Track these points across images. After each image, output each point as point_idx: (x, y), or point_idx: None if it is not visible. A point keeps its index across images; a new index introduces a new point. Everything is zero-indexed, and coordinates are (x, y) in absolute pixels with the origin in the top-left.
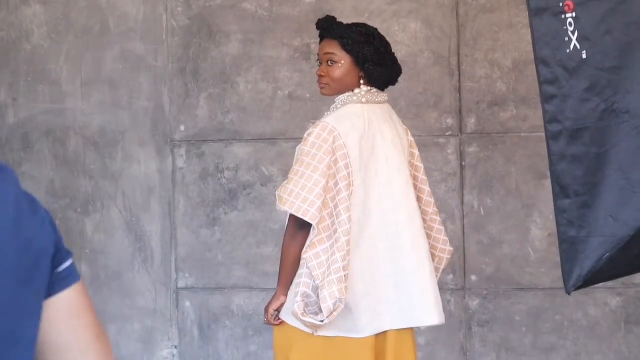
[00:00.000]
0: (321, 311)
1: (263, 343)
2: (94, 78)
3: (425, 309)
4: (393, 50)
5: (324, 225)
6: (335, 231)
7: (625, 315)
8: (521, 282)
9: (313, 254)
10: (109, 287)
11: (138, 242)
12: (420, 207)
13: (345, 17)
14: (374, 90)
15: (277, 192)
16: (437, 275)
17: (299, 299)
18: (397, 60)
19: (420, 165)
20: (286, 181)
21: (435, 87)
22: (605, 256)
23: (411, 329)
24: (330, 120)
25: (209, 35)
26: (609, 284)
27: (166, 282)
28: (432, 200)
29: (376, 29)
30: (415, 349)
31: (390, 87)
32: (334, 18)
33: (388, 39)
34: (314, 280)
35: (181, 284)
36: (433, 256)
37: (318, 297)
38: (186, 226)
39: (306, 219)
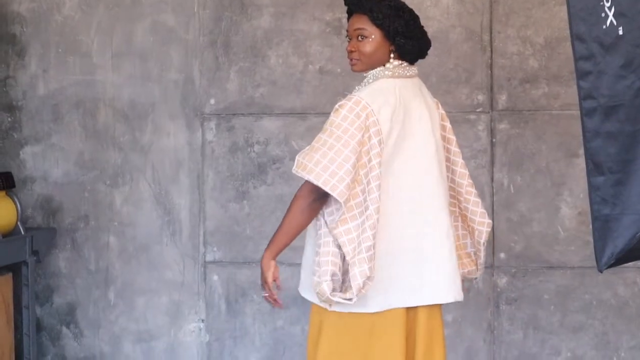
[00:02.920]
0: (350, 289)
1: (289, 317)
2: (125, 50)
3: (442, 286)
4: (423, 25)
5: (356, 201)
6: (367, 207)
7: None
8: (550, 261)
9: (344, 230)
10: (137, 260)
11: (166, 215)
12: (455, 180)
13: None
14: (405, 64)
15: (298, 157)
16: (481, 250)
17: (328, 278)
18: (426, 33)
19: (453, 137)
20: (309, 148)
21: (466, 63)
22: (638, 234)
23: (439, 304)
24: (364, 95)
25: (240, 8)
26: (639, 263)
27: (194, 256)
28: (467, 172)
29: (404, 2)
30: (442, 325)
31: (421, 62)
32: None
33: (419, 14)
34: (342, 259)
35: (209, 257)
36: (473, 230)
37: (343, 275)
38: (215, 200)
39: (334, 194)
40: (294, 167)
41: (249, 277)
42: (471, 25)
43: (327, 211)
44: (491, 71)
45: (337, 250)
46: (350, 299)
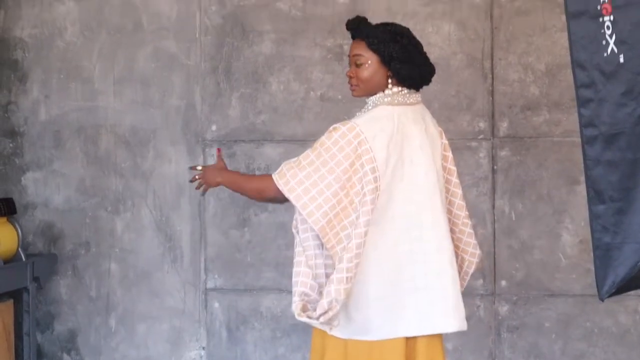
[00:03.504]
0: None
1: (291, 345)
2: (126, 76)
3: (445, 315)
4: (426, 51)
5: (333, 232)
6: (349, 240)
7: None
8: (551, 288)
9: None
10: (138, 287)
11: (168, 242)
12: (452, 211)
13: (379, 18)
14: (405, 91)
15: (283, 167)
16: (466, 279)
17: (296, 298)
18: (428, 59)
19: (454, 168)
20: (296, 162)
21: (468, 89)
22: None
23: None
24: (360, 122)
25: (242, 35)
26: None
27: (195, 283)
28: (464, 204)
29: (407, 29)
30: (443, 353)
31: (422, 89)
32: (363, 18)
33: (421, 41)
34: (313, 278)
35: (210, 284)
36: (463, 260)
37: (317, 295)
38: (216, 227)
39: (310, 220)
40: (275, 174)
41: (250, 304)
42: (472, 52)
43: (302, 228)
44: (492, 98)
45: (308, 270)
46: (317, 319)
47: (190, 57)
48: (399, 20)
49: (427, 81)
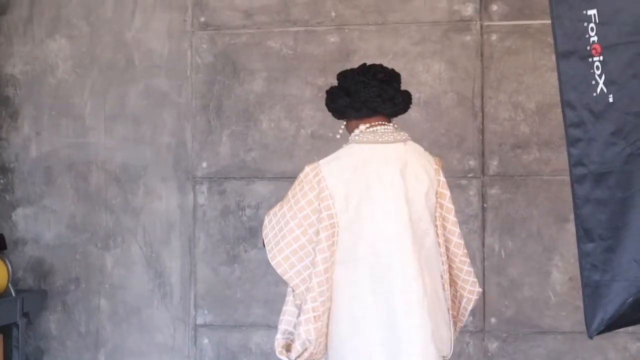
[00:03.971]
0: (294, 349)
1: None
2: (118, 113)
3: (412, 356)
4: (415, 91)
5: (294, 271)
6: (310, 276)
7: None
8: (541, 325)
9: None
10: (128, 322)
11: (157, 278)
12: (449, 249)
13: (370, 58)
14: (380, 129)
15: (265, 218)
16: (465, 315)
17: (279, 335)
18: (376, 86)
19: (451, 206)
20: (274, 213)
21: (458, 128)
22: (629, 300)
23: None
24: (323, 161)
25: (233, 73)
26: (629, 328)
27: (185, 319)
28: (462, 242)
29: (357, 69)
30: None
31: (413, 127)
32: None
33: (412, 80)
34: (297, 318)
35: (200, 320)
36: (461, 297)
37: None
38: (206, 263)
39: (284, 278)
40: (264, 224)
41: (240, 340)
42: (463, 90)
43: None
44: (483, 136)
45: (294, 309)
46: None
47: (182, 94)
48: (389, 59)
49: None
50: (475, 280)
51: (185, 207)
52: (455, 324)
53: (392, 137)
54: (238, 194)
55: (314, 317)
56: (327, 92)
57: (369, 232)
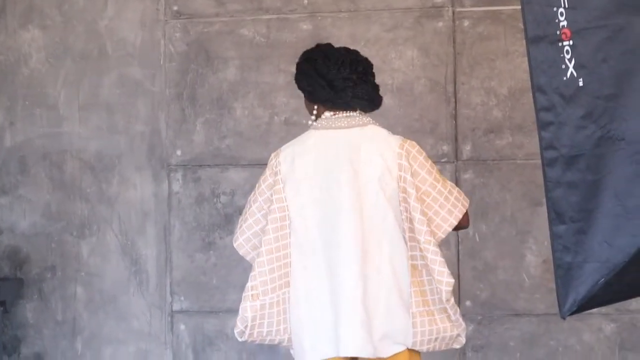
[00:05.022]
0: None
1: None
2: (92, 102)
3: (348, 336)
4: (390, 78)
5: (249, 257)
6: (261, 250)
7: (619, 341)
8: (515, 308)
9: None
10: (104, 310)
11: (133, 266)
12: (414, 237)
13: (342, 45)
14: (332, 115)
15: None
16: (447, 308)
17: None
18: (351, 79)
19: (412, 191)
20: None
21: (431, 114)
22: (601, 281)
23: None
24: (284, 145)
25: (206, 61)
26: (603, 310)
27: (161, 306)
28: (424, 228)
29: (315, 49)
30: None
31: (386, 113)
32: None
33: (384, 66)
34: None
35: (176, 307)
36: (439, 290)
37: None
38: (181, 250)
39: (248, 259)
40: None
41: (216, 326)
42: (435, 76)
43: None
44: (455, 122)
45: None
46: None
47: (155, 83)
48: (362, 46)
49: (350, 101)
50: (442, 269)
51: (160, 195)
52: (433, 312)
53: (346, 122)
54: (213, 181)
55: (251, 295)
56: (307, 75)
57: (317, 218)
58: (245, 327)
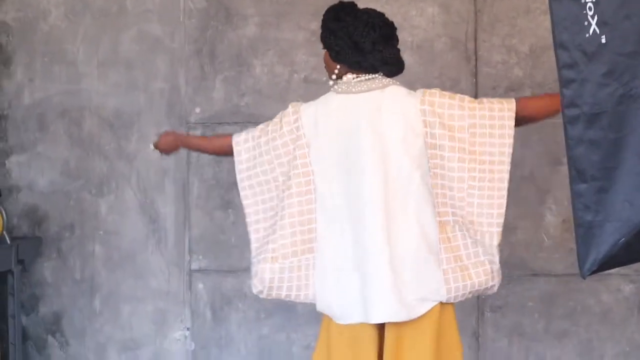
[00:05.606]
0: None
1: (275, 325)
2: (111, 59)
3: (377, 304)
4: (410, 35)
5: (272, 204)
6: (283, 210)
7: (638, 302)
8: (534, 268)
9: (254, 229)
10: (123, 268)
11: (152, 224)
12: (448, 186)
13: (362, 2)
14: (356, 79)
15: (241, 139)
16: (495, 254)
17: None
18: (378, 44)
19: (445, 142)
20: (252, 135)
21: (451, 71)
22: (621, 241)
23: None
24: (304, 105)
25: (225, 18)
26: (622, 270)
27: (179, 264)
28: (465, 175)
29: (338, 7)
30: (420, 342)
31: (406, 71)
32: (334, 6)
33: (405, 24)
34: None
35: (194, 266)
36: (483, 234)
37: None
38: (200, 208)
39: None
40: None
41: (235, 285)
42: (456, 34)
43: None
44: (476, 80)
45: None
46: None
47: (175, 40)
48: (382, 4)
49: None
50: (492, 212)
51: (179, 153)
52: (491, 269)
53: (366, 85)
54: None
55: (271, 257)
56: (335, 34)
57: (341, 184)
58: (264, 287)
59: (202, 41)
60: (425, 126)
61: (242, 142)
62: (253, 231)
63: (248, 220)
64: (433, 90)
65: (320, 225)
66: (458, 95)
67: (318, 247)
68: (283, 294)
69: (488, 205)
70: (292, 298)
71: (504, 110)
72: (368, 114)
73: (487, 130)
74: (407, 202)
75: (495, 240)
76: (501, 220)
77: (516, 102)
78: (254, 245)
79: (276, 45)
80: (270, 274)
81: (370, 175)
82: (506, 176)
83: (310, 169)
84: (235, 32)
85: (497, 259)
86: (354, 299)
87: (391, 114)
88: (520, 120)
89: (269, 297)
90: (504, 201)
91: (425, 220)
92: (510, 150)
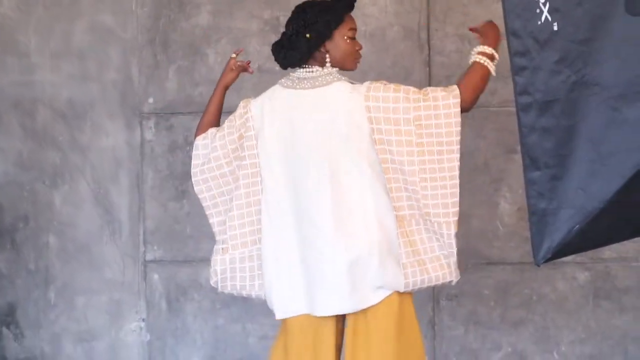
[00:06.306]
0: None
1: (230, 316)
2: (63, 49)
3: (326, 297)
4: (363, 24)
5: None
6: (231, 205)
7: (593, 289)
8: (490, 256)
9: (216, 221)
10: (77, 260)
11: (106, 215)
12: (405, 179)
13: None
14: (303, 73)
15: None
16: (453, 245)
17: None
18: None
19: (392, 137)
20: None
21: (404, 60)
22: (575, 228)
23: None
24: (253, 99)
25: (178, 7)
26: (577, 258)
27: (134, 255)
28: (416, 168)
29: None
30: (379, 329)
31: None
32: None
33: (357, 12)
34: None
35: (149, 256)
36: (439, 225)
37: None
38: (154, 199)
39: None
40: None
41: (190, 275)
42: (409, 23)
43: None
44: (429, 69)
45: None
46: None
47: (127, 29)
48: None
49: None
50: (447, 201)
51: (133, 143)
52: (448, 264)
53: (309, 83)
54: (186, 129)
55: (222, 249)
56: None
57: (285, 178)
58: (217, 279)
59: (154, 30)
60: (371, 122)
61: (201, 139)
62: (215, 223)
63: (207, 212)
64: (377, 84)
65: (263, 217)
66: (403, 87)
67: (262, 239)
68: (237, 285)
69: (442, 195)
70: (247, 290)
71: (449, 98)
72: (311, 111)
73: (433, 122)
74: (364, 197)
75: (453, 230)
76: (456, 209)
77: (459, 87)
78: (216, 238)
79: (229, 34)
80: (221, 264)
81: (315, 172)
82: (457, 164)
83: (257, 161)
84: (188, 21)
85: (454, 251)
86: (294, 291)
87: (334, 112)
88: (467, 104)
89: (225, 291)
90: (456, 190)
91: (383, 214)
92: (459, 138)
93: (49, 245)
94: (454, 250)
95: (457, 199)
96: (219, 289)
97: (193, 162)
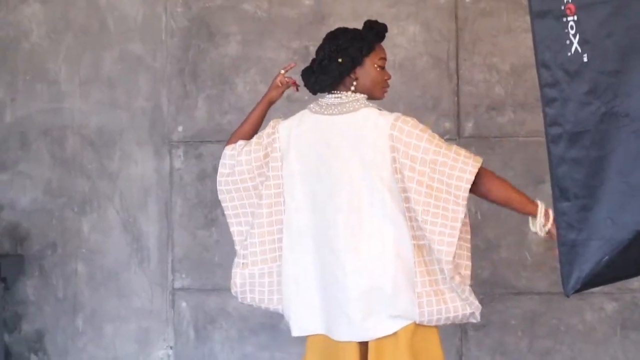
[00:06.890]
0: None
1: (259, 344)
2: (93, 78)
3: (342, 324)
4: (392, 54)
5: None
6: (254, 223)
7: (621, 320)
8: (517, 286)
9: (236, 230)
10: (106, 287)
11: (135, 243)
12: (414, 216)
13: (344, 21)
14: (331, 99)
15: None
16: (449, 271)
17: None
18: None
19: (407, 173)
20: (232, 152)
21: (433, 90)
22: (604, 259)
23: (393, 336)
24: (282, 120)
25: (208, 36)
26: (605, 289)
27: (162, 283)
28: (421, 199)
29: None
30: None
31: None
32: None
33: (386, 42)
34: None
35: (177, 284)
36: (439, 252)
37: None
38: (183, 227)
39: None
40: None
41: (218, 304)
42: (438, 53)
43: None
44: (458, 98)
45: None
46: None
47: (157, 59)
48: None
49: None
50: (443, 230)
51: (162, 172)
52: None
53: (337, 109)
54: (214, 157)
55: (242, 263)
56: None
57: (308, 201)
58: (237, 290)
59: (184, 60)
60: (393, 151)
61: (230, 149)
62: (235, 232)
63: (228, 220)
64: (408, 118)
65: (285, 238)
66: (430, 131)
67: (282, 258)
68: (256, 297)
69: (439, 242)
70: (266, 303)
71: (469, 161)
72: (338, 137)
73: (447, 170)
74: (384, 225)
75: (448, 274)
76: (450, 258)
77: (486, 170)
78: (236, 247)
79: (258, 64)
80: (241, 278)
81: (336, 198)
82: (460, 217)
83: (281, 182)
84: (218, 51)
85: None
86: (312, 312)
87: (360, 137)
88: (480, 185)
89: (244, 302)
90: (454, 242)
91: (401, 243)
92: (466, 195)
93: (77, 273)
94: (460, 280)
95: (453, 249)
96: (239, 300)
97: (220, 170)
